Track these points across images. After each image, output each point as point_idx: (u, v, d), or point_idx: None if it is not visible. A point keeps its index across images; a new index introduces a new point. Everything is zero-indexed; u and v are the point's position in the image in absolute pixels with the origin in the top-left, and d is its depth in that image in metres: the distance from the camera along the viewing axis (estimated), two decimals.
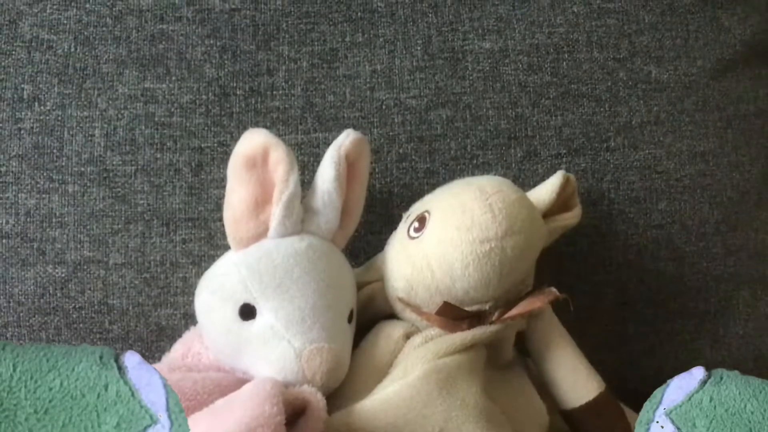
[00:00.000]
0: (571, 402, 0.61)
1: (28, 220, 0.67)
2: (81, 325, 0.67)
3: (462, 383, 0.56)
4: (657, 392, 0.39)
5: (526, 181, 0.70)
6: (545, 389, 0.63)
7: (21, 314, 0.66)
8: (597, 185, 0.72)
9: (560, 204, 0.64)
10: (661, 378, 0.73)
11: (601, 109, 0.72)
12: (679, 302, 0.73)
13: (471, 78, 0.72)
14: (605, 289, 0.72)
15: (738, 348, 0.75)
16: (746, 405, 0.39)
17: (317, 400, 0.54)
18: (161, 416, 0.35)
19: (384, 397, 0.55)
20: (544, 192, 0.64)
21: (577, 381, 0.61)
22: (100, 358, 0.36)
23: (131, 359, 0.36)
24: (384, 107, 0.71)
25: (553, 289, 0.59)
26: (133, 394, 0.36)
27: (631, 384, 0.70)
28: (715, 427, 0.38)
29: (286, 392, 0.53)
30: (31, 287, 0.66)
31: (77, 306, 0.67)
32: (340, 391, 0.58)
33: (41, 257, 0.66)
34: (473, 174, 0.69)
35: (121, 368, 0.36)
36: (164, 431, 0.35)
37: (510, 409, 0.59)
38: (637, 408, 0.66)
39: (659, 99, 0.73)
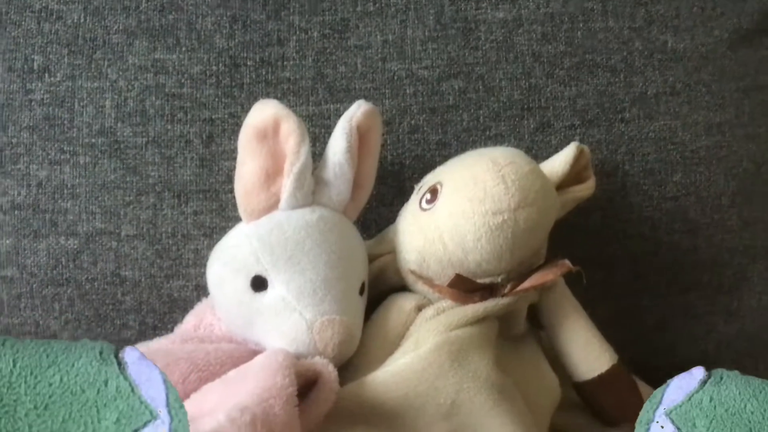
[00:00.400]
0: (584, 374, 0.61)
1: (40, 191, 0.67)
2: (94, 296, 0.67)
3: (474, 355, 0.56)
4: (657, 392, 0.39)
5: (539, 152, 0.69)
6: (557, 362, 0.63)
7: (34, 286, 0.67)
8: (611, 157, 0.71)
9: (574, 176, 0.64)
10: (674, 351, 0.73)
11: (616, 80, 0.72)
12: (693, 275, 0.73)
13: (484, 48, 0.71)
14: (618, 262, 0.72)
15: (752, 321, 0.74)
16: (746, 405, 0.39)
17: (329, 371, 0.54)
18: (161, 412, 0.35)
19: (395, 369, 0.55)
20: (558, 164, 0.63)
21: (589, 353, 0.61)
22: (100, 353, 0.36)
23: (131, 355, 0.36)
24: (396, 78, 0.70)
25: (566, 262, 0.59)
26: (132, 390, 0.35)
27: (643, 357, 0.70)
28: (715, 427, 0.38)
29: (298, 364, 0.53)
30: (44, 259, 0.67)
31: (90, 277, 0.67)
32: (352, 363, 0.58)
33: (53, 229, 0.67)
34: (486, 145, 0.68)
35: (120, 364, 0.36)
36: (164, 427, 0.35)
37: (522, 382, 0.59)
38: (650, 381, 0.67)
39: (675, 69, 0.72)
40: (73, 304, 0.67)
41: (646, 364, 0.68)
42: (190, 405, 0.51)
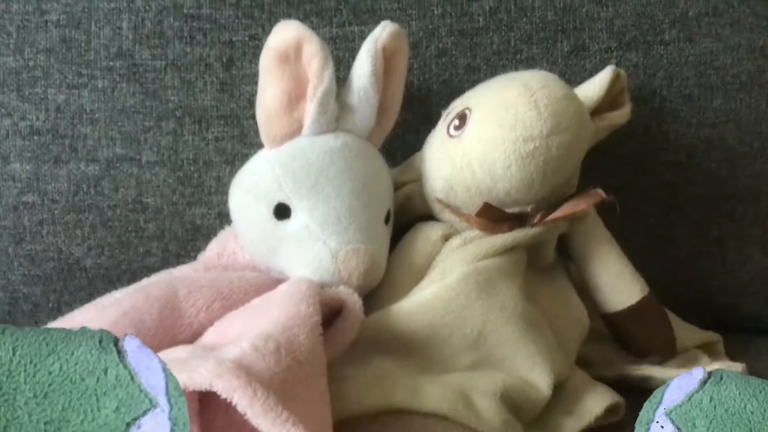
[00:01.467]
0: (613, 305, 0.60)
1: (59, 116, 0.66)
2: (116, 223, 0.67)
3: (501, 286, 0.55)
4: (657, 392, 0.39)
5: (573, 77, 0.67)
6: (586, 293, 0.62)
7: (56, 212, 0.66)
8: (648, 81, 0.69)
9: (609, 101, 0.62)
10: (708, 283, 0.72)
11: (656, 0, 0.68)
12: (729, 205, 0.71)
13: None
14: (653, 192, 0.70)
15: None
16: (746, 405, 0.39)
17: (354, 301, 0.53)
18: (160, 400, 0.35)
19: (422, 298, 0.54)
20: (592, 88, 0.61)
21: (620, 284, 0.60)
22: (100, 341, 0.36)
23: (130, 343, 0.36)
24: None
25: (599, 191, 0.57)
26: (132, 378, 0.35)
27: (675, 289, 0.69)
28: (715, 427, 0.38)
29: (322, 292, 0.52)
30: (65, 185, 0.66)
31: (111, 204, 0.66)
32: (377, 293, 0.57)
33: (74, 154, 0.66)
34: (517, 70, 0.66)
35: (120, 352, 0.36)
36: (163, 415, 0.35)
37: (550, 313, 0.58)
38: (681, 313, 0.66)
39: None
40: (95, 230, 0.67)
41: (679, 296, 0.67)
42: (213, 333, 0.52)
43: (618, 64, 0.66)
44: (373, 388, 0.50)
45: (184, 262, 0.62)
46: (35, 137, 0.66)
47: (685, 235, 0.71)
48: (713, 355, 0.64)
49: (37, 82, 0.66)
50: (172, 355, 0.47)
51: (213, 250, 0.61)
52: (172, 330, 0.51)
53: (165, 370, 0.36)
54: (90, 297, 0.59)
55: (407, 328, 0.53)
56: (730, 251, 0.72)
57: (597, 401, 0.56)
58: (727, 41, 0.69)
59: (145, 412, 0.35)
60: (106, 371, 0.35)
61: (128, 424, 0.35)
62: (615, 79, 0.61)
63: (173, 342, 0.51)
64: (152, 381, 0.35)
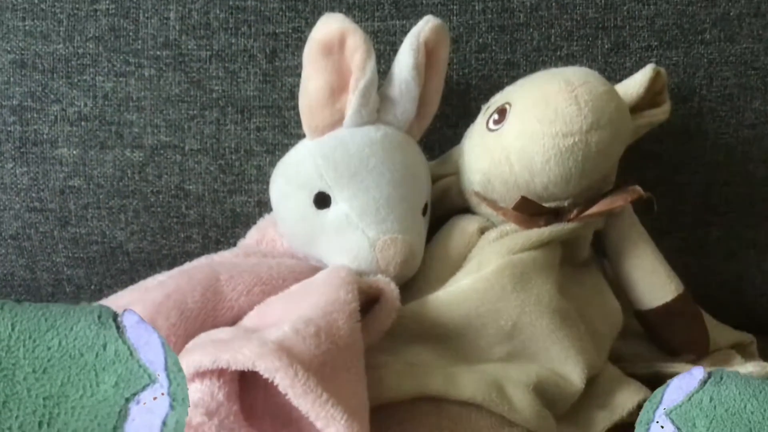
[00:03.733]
0: (648, 303, 0.60)
1: (106, 103, 0.67)
2: (159, 208, 0.68)
3: (537, 279, 0.55)
4: (657, 392, 0.39)
5: (613, 75, 0.67)
6: (620, 290, 0.62)
7: (101, 196, 0.68)
8: (688, 80, 0.68)
9: (648, 99, 0.62)
10: (742, 285, 0.72)
11: None
12: (765, 207, 0.71)
13: None
14: (690, 191, 0.70)
15: None
16: (746, 405, 0.39)
17: (391, 289, 0.53)
18: (159, 375, 0.35)
19: (458, 289, 0.55)
20: (632, 86, 0.61)
21: (655, 282, 0.60)
22: (99, 317, 0.36)
23: (129, 318, 0.36)
24: None
25: (637, 188, 0.57)
26: (131, 354, 0.35)
27: (710, 289, 0.69)
28: (715, 427, 0.38)
29: (360, 280, 0.53)
30: (110, 170, 0.67)
31: (155, 190, 0.68)
32: (414, 282, 0.58)
33: (119, 140, 0.67)
34: (556, 66, 0.65)
35: (119, 327, 0.36)
36: (162, 390, 0.35)
37: (584, 308, 0.58)
38: (715, 313, 0.65)
39: None
40: (138, 215, 0.68)
41: (713, 297, 0.67)
42: (254, 316, 0.53)
43: (658, 62, 0.66)
44: (408, 375, 0.51)
45: (223, 249, 0.63)
46: (83, 123, 0.67)
47: (721, 235, 0.71)
48: (746, 356, 0.64)
49: (86, 69, 0.67)
50: (214, 335, 0.48)
51: (253, 237, 0.62)
52: (213, 312, 0.52)
53: (164, 345, 0.36)
54: (131, 280, 0.60)
55: (443, 317, 0.54)
56: (766, 253, 0.71)
57: (629, 396, 0.56)
58: None
59: (144, 388, 0.35)
60: (105, 346, 0.35)
61: (127, 400, 0.35)
62: (655, 77, 0.61)
63: (214, 324, 0.52)
64: (151, 356, 0.35)
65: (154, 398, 0.35)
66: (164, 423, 0.35)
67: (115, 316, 0.36)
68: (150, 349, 0.36)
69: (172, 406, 0.35)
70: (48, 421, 0.34)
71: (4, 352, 0.35)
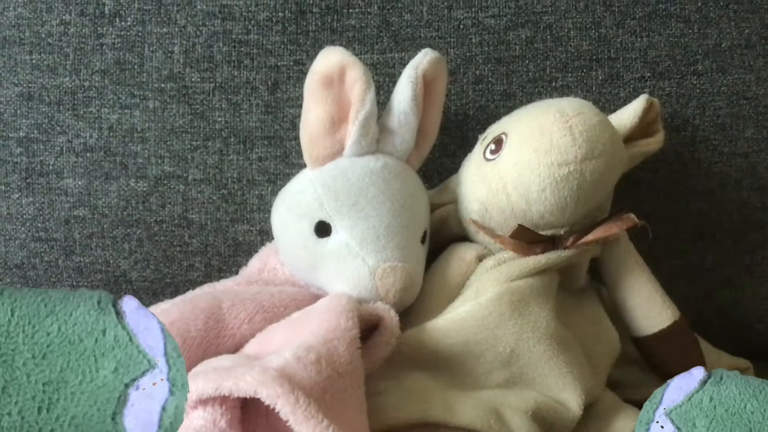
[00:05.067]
0: (645, 329, 0.61)
1: (111, 134, 0.68)
2: (162, 238, 0.69)
3: (534, 306, 0.56)
4: (657, 392, 0.39)
5: (607, 105, 0.68)
6: (617, 317, 0.62)
7: (105, 226, 0.69)
8: (681, 110, 0.69)
9: (642, 129, 0.63)
10: (738, 311, 0.72)
11: (690, 31, 0.69)
12: (760, 234, 0.71)
13: None
14: (684, 219, 0.70)
15: None
16: (746, 405, 0.39)
17: (391, 316, 0.54)
18: (159, 361, 0.35)
19: (456, 316, 0.56)
20: (626, 116, 0.62)
21: (651, 309, 0.60)
22: (98, 302, 0.36)
23: (129, 304, 0.36)
24: (461, 27, 0.69)
25: (632, 215, 0.58)
26: (131, 339, 0.35)
27: (706, 315, 0.70)
28: (715, 427, 0.38)
29: (360, 308, 0.54)
30: (115, 200, 0.68)
31: (158, 219, 0.69)
32: (413, 310, 0.58)
33: (124, 171, 0.68)
34: (552, 97, 0.67)
35: (119, 313, 0.36)
36: (162, 375, 0.35)
37: (582, 335, 0.59)
38: (712, 340, 0.66)
39: (751, 21, 0.70)
40: (142, 244, 0.69)
41: (709, 323, 0.67)
42: (255, 344, 0.53)
43: (651, 93, 0.67)
44: (408, 402, 0.51)
45: (225, 277, 0.64)
46: (88, 154, 0.68)
47: (716, 262, 0.71)
48: None
49: (92, 101, 0.68)
50: (216, 363, 0.49)
51: (254, 265, 0.63)
52: (216, 340, 0.53)
53: (163, 331, 0.35)
54: None
55: (442, 344, 0.55)
56: (761, 280, 0.72)
57: (627, 423, 0.56)
58: (759, 73, 0.70)
59: (143, 373, 0.35)
60: (104, 332, 0.35)
61: (127, 385, 0.35)
62: (648, 108, 0.62)
63: (217, 351, 0.53)
64: (151, 342, 0.35)
65: (154, 384, 0.35)
66: (164, 408, 0.35)
67: (114, 302, 0.36)
68: (149, 335, 0.35)
69: (171, 392, 0.35)
70: (47, 406, 0.34)
71: (3, 338, 0.35)
